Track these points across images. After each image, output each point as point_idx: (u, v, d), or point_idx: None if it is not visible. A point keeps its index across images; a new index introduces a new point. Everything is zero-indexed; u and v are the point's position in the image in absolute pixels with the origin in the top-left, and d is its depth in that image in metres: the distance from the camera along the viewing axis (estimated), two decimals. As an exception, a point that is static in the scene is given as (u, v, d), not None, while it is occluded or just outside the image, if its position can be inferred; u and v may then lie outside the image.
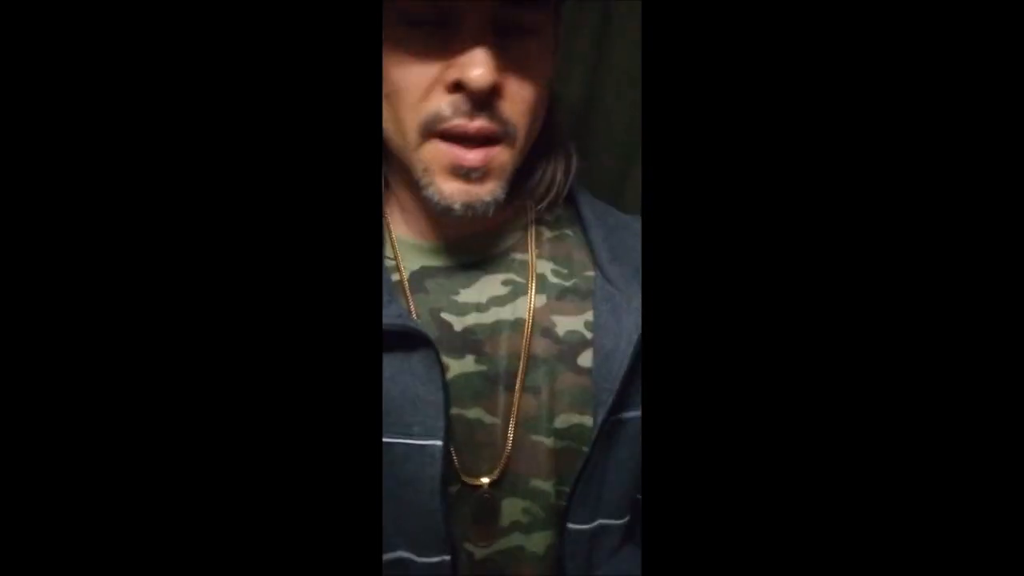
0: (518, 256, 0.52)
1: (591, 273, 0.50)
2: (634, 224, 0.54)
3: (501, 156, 0.45)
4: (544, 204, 0.51)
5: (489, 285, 0.50)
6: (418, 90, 0.42)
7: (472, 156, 0.43)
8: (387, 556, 0.46)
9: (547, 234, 0.53)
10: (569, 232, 0.54)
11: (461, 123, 0.42)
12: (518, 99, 0.43)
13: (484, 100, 0.41)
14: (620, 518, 0.50)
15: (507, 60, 0.41)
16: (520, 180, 0.49)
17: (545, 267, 0.51)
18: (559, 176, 0.50)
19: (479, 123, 0.42)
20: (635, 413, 0.49)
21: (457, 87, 0.41)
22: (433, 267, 0.50)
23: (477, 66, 0.40)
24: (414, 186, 0.46)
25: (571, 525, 0.48)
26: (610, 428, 0.48)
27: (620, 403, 0.48)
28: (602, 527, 0.49)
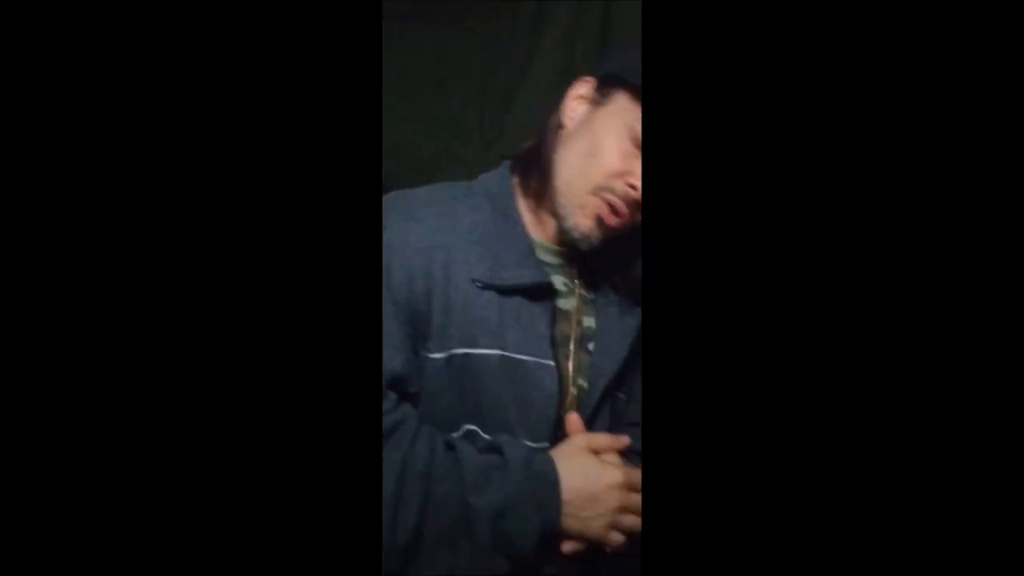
0: (569, 268, 0.73)
1: (592, 294, 0.73)
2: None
3: (625, 223, 0.68)
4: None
5: (557, 282, 0.72)
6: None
7: (614, 218, 0.67)
8: (505, 438, 0.66)
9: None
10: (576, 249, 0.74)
11: (610, 196, 0.68)
12: (639, 180, 0.66)
13: (627, 184, 0.67)
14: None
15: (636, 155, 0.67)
16: None
17: (581, 281, 0.73)
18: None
19: (619, 198, 0.68)
20: (617, 394, 0.72)
21: (626, 175, 0.66)
22: (545, 264, 0.72)
23: (638, 168, 0.65)
24: (555, 213, 0.70)
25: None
26: (601, 396, 0.71)
27: (597, 381, 0.70)
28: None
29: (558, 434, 0.68)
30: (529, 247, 0.69)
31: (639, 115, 0.64)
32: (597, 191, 0.66)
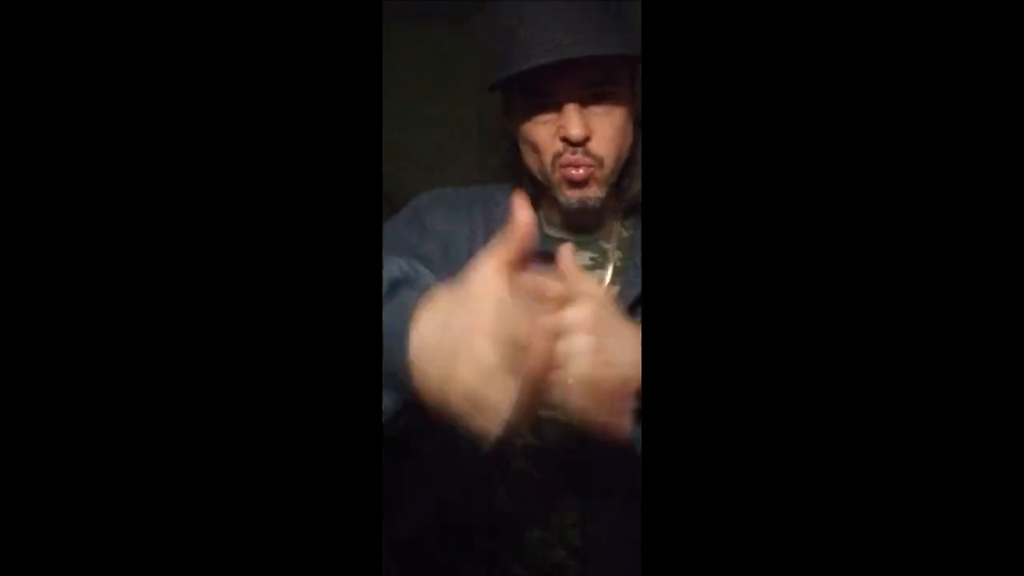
0: (602, 244, 0.80)
1: (633, 260, 0.78)
2: None
3: (596, 173, 0.73)
4: (631, 192, 0.79)
5: (583, 258, 0.79)
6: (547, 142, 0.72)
7: (576, 173, 0.72)
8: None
9: (623, 233, 0.81)
10: (630, 234, 0.81)
11: (567, 156, 0.72)
12: (604, 139, 0.71)
13: (580, 144, 0.70)
14: None
15: (592, 117, 0.70)
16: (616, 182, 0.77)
17: (616, 254, 0.80)
18: (638, 175, 0.78)
19: (578, 156, 0.71)
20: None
21: (565, 139, 0.70)
22: (557, 237, 0.80)
23: (573, 127, 0.69)
24: (551, 191, 0.76)
25: None
26: None
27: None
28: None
29: None
30: (543, 233, 0.79)
31: (534, 99, 0.72)
32: (552, 166, 0.74)
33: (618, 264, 0.80)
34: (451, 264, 0.75)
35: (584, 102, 0.70)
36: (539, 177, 0.78)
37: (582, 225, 0.81)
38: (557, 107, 0.71)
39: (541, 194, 0.82)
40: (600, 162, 0.72)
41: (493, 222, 0.81)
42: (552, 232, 0.82)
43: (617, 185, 0.79)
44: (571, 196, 0.74)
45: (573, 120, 0.69)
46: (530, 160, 0.77)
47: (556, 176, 0.74)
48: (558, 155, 0.72)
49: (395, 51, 1.03)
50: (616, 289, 0.78)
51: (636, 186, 0.79)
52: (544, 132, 0.72)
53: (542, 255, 0.70)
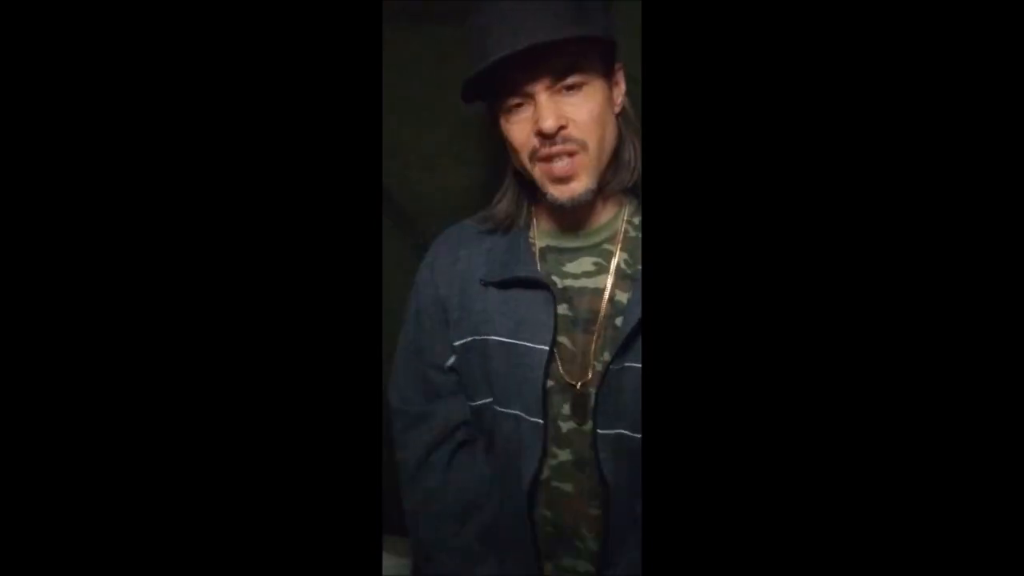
0: (607, 247, 0.77)
1: (640, 266, 0.75)
2: None
3: (582, 162, 0.70)
4: (629, 182, 0.76)
5: (584, 264, 0.77)
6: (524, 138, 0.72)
7: (559, 168, 0.70)
8: (506, 411, 0.77)
9: (630, 233, 0.78)
10: (637, 234, 0.78)
11: (546, 150, 0.70)
12: (581, 124, 0.69)
13: (555, 135, 0.68)
14: (635, 432, 0.73)
15: (566, 107, 0.69)
16: (608, 177, 0.75)
17: (622, 257, 0.77)
18: (633, 166, 0.76)
19: (558, 147, 0.69)
20: (634, 364, 0.72)
21: (540, 133, 0.69)
22: (553, 246, 0.79)
23: (546, 118, 0.68)
24: (541, 194, 0.74)
25: (599, 430, 0.74)
26: (618, 370, 0.73)
27: (622, 354, 0.72)
28: (622, 436, 0.73)
29: (547, 410, 0.75)
30: (528, 250, 0.78)
31: (507, 100, 0.71)
32: (533, 162, 0.72)
33: (624, 268, 0.76)
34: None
35: (556, 93, 0.68)
36: (528, 174, 0.75)
37: (576, 224, 0.78)
38: (530, 104, 0.69)
39: (534, 200, 0.80)
40: (583, 146, 0.69)
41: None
42: (549, 242, 0.79)
43: (610, 178, 0.75)
44: (557, 192, 0.71)
45: (543, 111, 0.67)
46: (516, 163, 0.76)
47: (538, 173, 0.72)
48: (535, 150, 0.70)
49: (395, 51, 1.03)
50: (627, 296, 0.75)
51: (633, 178, 0.76)
52: (520, 131, 0.71)
53: (530, 282, 0.75)
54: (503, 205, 0.80)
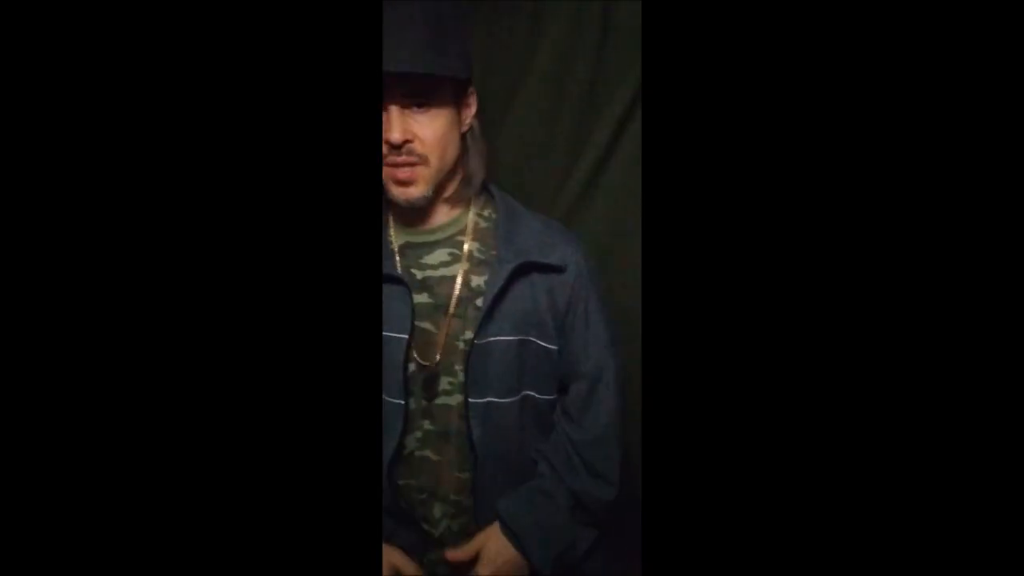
0: (459, 239, 0.87)
1: (494, 252, 0.85)
2: (527, 215, 0.89)
3: (422, 172, 0.80)
4: (472, 190, 0.86)
5: (440, 255, 0.86)
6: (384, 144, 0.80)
7: (401, 173, 0.80)
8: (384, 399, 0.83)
9: (480, 224, 0.88)
10: (489, 224, 0.88)
11: (393, 158, 0.79)
12: (425, 141, 0.79)
13: (401, 147, 0.78)
14: (505, 397, 0.84)
15: (414, 123, 0.78)
16: (451, 184, 0.85)
17: (473, 246, 0.86)
18: (476, 175, 0.86)
19: (403, 157, 0.79)
20: (496, 338, 0.83)
21: (387, 142, 0.78)
22: (411, 242, 0.87)
23: (394, 131, 0.77)
24: (388, 192, 0.83)
25: (470, 399, 0.83)
26: (483, 344, 0.82)
27: (484, 330, 0.82)
28: (492, 404, 0.83)
29: (406, 391, 0.83)
30: (386, 247, 0.87)
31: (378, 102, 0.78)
32: (384, 164, 0.81)
33: (478, 255, 0.85)
34: None
35: (406, 108, 0.77)
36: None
37: (425, 221, 0.86)
38: (385, 112, 0.77)
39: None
40: (424, 159, 0.79)
41: None
42: (406, 239, 0.87)
43: (452, 186, 0.84)
44: (397, 193, 0.80)
45: (393, 123, 0.76)
46: None
47: (384, 173, 0.80)
48: (386, 155, 0.79)
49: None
50: (483, 279, 0.83)
51: (470, 187, 0.85)
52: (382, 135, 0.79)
53: (388, 277, 0.82)
54: None
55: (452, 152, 0.82)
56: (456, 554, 0.85)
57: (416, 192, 0.80)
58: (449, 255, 0.86)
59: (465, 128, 0.84)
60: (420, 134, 0.78)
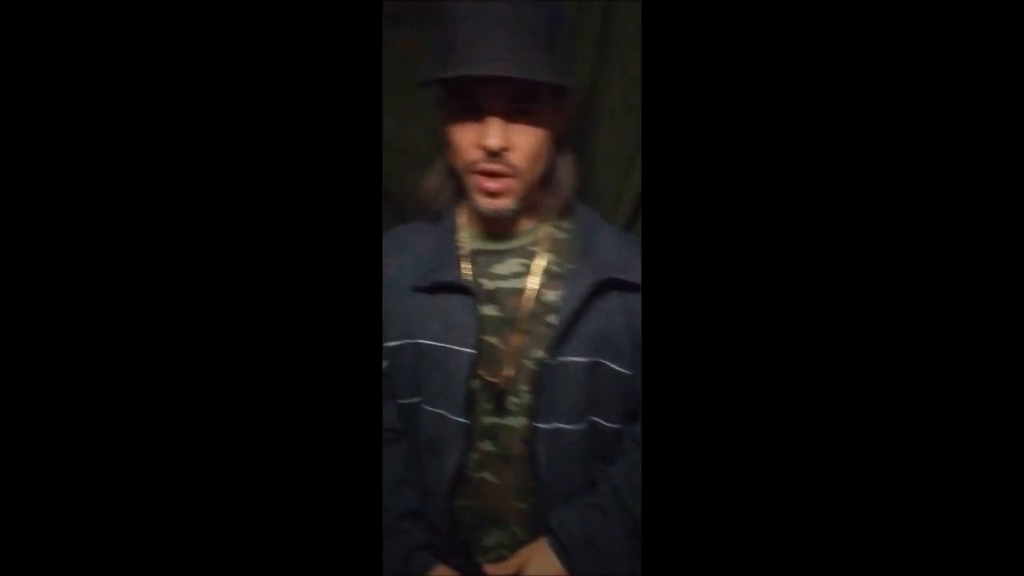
0: (532, 249, 0.82)
1: (571, 265, 0.80)
2: (605, 226, 0.85)
3: (512, 185, 0.75)
4: (560, 202, 0.82)
5: (512, 265, 0.81)
6: (465, 144, 0.75)
7: (492, 184, 0.75)
8: (432, 409, 0.79)
9: (556, 235, 0.83)
10: (566, 236, 0.83)
11: (484, 166, 0.74)
12: (522, 152, 0.74)
13: (497, 154, 0.72)
14: (573, 424, 0.79)
15: (513, 131, 0.73)
16: (538, 195, 0.80)
17: (547, 258, 0.81)
18: (563, 192, 0.81)
19: (496, 167, 0.73)
20: (568, 359, 0.77)
21: (484, 148, 0.73)
22: (482, 249, 0.82)
23: (492, 137, 0.72)
24: (471, 200, 0.78)
25: (537, 424, 0.78)
26: (554, 364, 0.77)
27: (557, 349, 0.77)
28: (559, 430, 0.78)
29: (469, 408, 0.78)
30: (453, 253, 0.82)
31: (462, 102, 0.74)
32: (468, 170, 0.76)
33: (553, 268, 0.80)
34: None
35: (507, 116, 0.72)
36: (460, 176, 0.79)
37: (502, 231, 0.82)
38: (481, 116, 0.72)
39: (467, 201, 0.82)
40: (518, 171, 0.74)
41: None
42: (478, 245, 0.83)
43: (539, 198, 0.80)
44: (484, 204, 0.76)
45: (493, 131, 0.71)
46: (451, 159, 0.79)
47: (471, 182, 0.76)
48: (475, 161, 0.74)
49: (395, 51, 1.03)
50: (557, 294, 0.78)
51: (559, 199, 0.81)
52: (463, 135, 0.74)
53: (454, 286, 0.79)
54: (433, 181, 0.83)
55: (545, 164, 0.77)
56: (497, 568, 0.79)
57: (504, 204, 0.75)
58: (522, 266, 0.81)
59: (559, 139, 0.79)
60: (519, 143, 0.73)
